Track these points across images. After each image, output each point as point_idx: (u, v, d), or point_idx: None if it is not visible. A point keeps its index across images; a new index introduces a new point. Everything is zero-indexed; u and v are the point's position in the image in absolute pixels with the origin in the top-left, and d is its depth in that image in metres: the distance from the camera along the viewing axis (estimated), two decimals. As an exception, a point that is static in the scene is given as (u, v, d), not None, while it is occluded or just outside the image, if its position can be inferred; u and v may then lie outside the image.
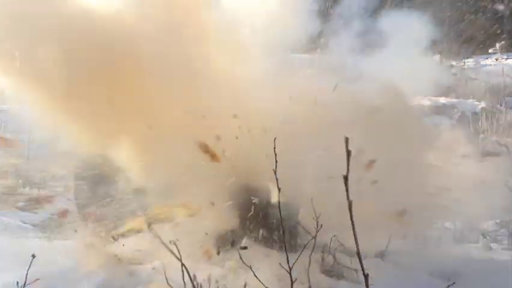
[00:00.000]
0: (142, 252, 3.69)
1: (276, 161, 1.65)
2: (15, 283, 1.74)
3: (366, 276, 0.88)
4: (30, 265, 1.76)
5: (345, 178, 0.83)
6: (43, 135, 3.63)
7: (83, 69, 3.12)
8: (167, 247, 1.56)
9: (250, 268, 2.00)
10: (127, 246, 3.78)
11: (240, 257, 1.93)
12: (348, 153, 0.81)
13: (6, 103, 4.45)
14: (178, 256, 1.60)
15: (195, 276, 1.56)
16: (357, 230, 0.90)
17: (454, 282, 1.14)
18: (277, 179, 1.64)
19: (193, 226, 3.47)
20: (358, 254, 0.86)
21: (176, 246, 1.60)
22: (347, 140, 0.80)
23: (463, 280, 3.51)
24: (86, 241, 3.51)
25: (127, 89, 3.24)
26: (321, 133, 3.39)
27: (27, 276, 1.81)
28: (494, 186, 4.20)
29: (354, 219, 0.84)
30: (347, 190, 0.83)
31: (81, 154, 3.60)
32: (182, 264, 1.58)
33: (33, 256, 1.77)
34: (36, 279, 1.94)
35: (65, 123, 3.33)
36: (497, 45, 9.26)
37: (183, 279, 1.66)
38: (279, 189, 1.66)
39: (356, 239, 0.85)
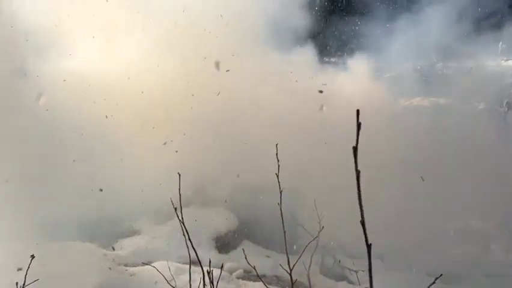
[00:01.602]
0: (142, 253, 3.69)
1: (279, 165, 1.67)
2: (15, 283, 1.72)
3: (369, 246, 0.90)
4: (29, 266, 1.74)
5: (355, 149, 0.85)
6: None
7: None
8: (183, 226, 1.51)
9: (254, 268, 2.00)
10: (127, 247, 3.78)
11: (245, 257, 1.93)
12: (358, 126, 0.85)
13: None
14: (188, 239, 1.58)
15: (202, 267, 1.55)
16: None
17: (441, 274, 1.13)
18: (279, 182, 1.66)
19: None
20: (362, 223, 0.88)
21: (187, 233, 1.56)
22: (357, 112, 0.84)
23: (463, 280, 3.51)
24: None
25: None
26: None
27: (26, 276, 1.80)
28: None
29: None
30: (355, 161, 0.86)
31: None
32: (191, 243, 1.56)
33: (33, 257, 1.76)
34: (36, 280, 1.93)
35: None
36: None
37: (189, 267, 1.65)
38: (281, 191, 1.68)
39: (361, 207, 0.87)
